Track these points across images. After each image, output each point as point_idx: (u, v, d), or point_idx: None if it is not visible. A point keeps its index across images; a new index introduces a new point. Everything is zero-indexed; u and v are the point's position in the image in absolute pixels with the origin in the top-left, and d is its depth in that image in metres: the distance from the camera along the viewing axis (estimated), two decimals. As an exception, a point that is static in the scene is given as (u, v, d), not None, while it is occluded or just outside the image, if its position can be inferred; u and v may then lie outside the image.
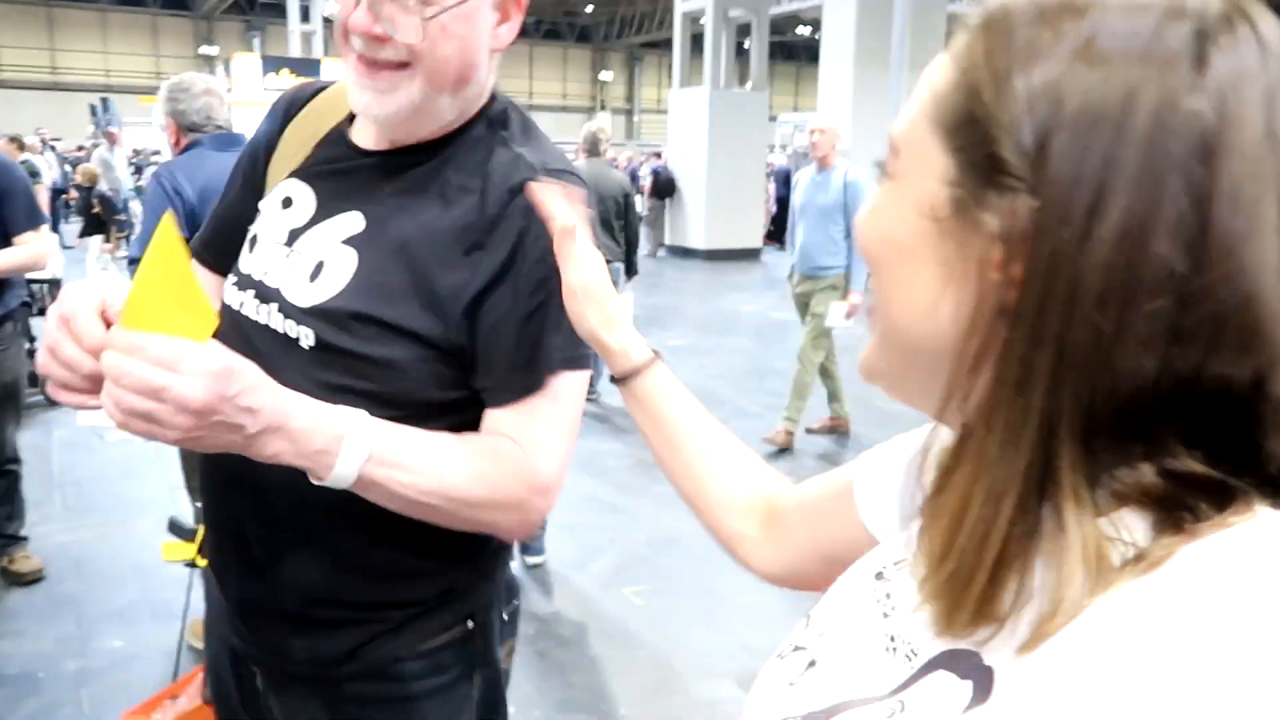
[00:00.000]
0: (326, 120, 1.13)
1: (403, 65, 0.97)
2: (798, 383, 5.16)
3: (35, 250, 3.22)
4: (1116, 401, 0.42)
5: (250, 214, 1.14)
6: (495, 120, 1.08)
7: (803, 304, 5.23)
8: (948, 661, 0.46)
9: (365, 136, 1.09)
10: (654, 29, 33.50)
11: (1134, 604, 0.38)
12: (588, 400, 5.59)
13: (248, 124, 3.49)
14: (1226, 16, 0.42)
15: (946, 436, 0.53)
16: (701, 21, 14.55)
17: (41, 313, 4.84)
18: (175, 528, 3.28)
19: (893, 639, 0.51)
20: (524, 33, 1.02)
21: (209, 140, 2.91)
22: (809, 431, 5.42)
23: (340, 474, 0.91)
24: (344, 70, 1.02)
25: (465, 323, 0.99)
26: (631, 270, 5.77)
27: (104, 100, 17.67)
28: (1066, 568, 0.41)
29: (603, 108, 40.15)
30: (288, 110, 1.17)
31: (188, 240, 2.97)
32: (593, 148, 5.45)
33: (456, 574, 1.10)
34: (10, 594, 3.40)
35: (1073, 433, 0.42)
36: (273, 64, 17.71)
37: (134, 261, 2.87)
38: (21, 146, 9.81)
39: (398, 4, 0.94)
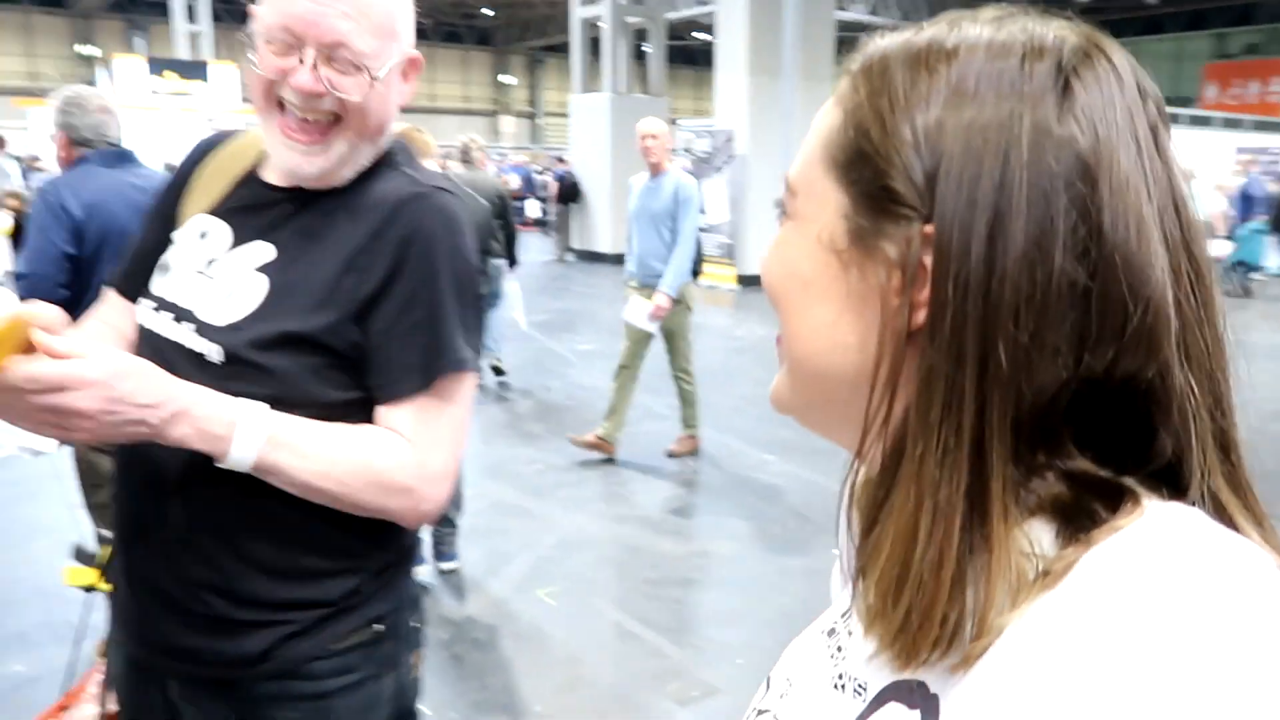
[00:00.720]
0: (238, 164, 1.24)
1: (334, 121, 1.10)
2: (684, 394, 5.23)
3: None
4: (1037, 411, 0.44)
5: (164, 248, 1.23)
6: (387, 153, 1.22)
7: None
8: (896, 693, 0.48)
9: (276, 175, 1.20)
10: (554, 33, 33.47)
11: (1042, 622, 0.40)
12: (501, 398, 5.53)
13: (132, 129, 3.43)
14: (1083, 50, 0.47)
15: (863, 475, 0.53)
16: (599, 26, 14.65)
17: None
18: (79, 554, 3.22)
19: (841, 676, 0.53)
20: (423, 34, 1.17)
21: (96, 156, 2.88)
22: (572, 442, 5.24)
23: (238, 455, 1.03)
24: (266, 132, 1.13)
25: (357, 326, 1.11)
26: (513, 262, 6.17)
27: (-28, 104, 16.76)
28: (991, 586, 0.43)
29: (506, 111, 39.92)
30: (200, 156, 1.29)
31: (76, 256, 2.90)
32: (466, 157, 5.82)
33: (362, 578, 1.19)
34: (-100, 624, 3.29)
35: (1002, 446, 0.44)
36: (158, 66, 17.11)
37: (20, 277, 2.80)
38: None
39: (338, 68, 1.07)
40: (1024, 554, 0.43)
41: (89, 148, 2.90)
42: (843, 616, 0.58)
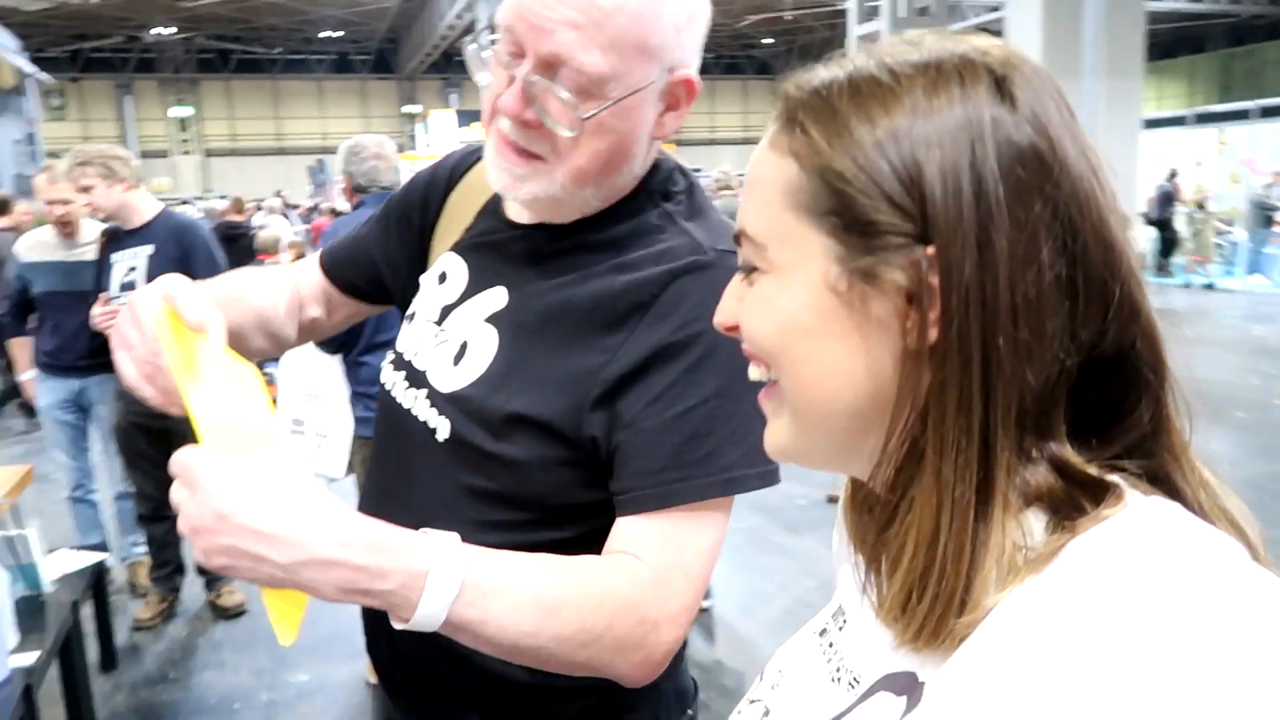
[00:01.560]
0: (487, 188, 1.06)
1: (542, 157, 0.91)
2: None
3: None
4: (1035, 400, 0.48)
5: (395, 263, 1.14)
6: (657, 191, 0.99)
7: None
8: (886, 684, 0.51)
9: (517, 209, 1.03)
10: (834, 55, 33.12)
11: (1026, 603, 0.43)
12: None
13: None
14: (1006, 61, 0.50)
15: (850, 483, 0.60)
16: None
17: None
18: None
19: (838, 670, 0.56)
20: (705, 69, 0.95)
21: (371, 199, 3.10)
22: (831, 501, 4.86)
23: (423, 617, 0.77)
24: (486, 147, 0.96)
25: (597, 414, 0.90)
26: None
27: (320, 161, 19.34)
28: (985, 570, 0.46)
29: (784, 137, 40.01)
30: (451, 175, 1.14)
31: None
32: (725, 185, 6.71)
33: (601, 696, 0.98)
34: (216, 627, 3.68)
35: (1007, 439, 0.47)
36: (466, 118, 18.95)
37: None
38: (240, 209, 10.89)
39: (553, 94, 0.86)
40: (1016, 543, 0.46)
41: (365, 193, 3.13)
42: (833, 617, 0.62)
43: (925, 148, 0.48)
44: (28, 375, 3.94)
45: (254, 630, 3.63)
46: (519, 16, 0.86)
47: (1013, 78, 0.49)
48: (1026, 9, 11.39)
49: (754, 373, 0.58)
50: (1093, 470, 0.48)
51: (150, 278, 3.39)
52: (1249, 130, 14.06)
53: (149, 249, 3.45)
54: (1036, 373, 0.47)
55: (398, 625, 0.78)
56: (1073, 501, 0.47)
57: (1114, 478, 0.48)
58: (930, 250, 0.47)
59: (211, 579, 3.81)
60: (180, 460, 0.74)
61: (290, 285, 1.18)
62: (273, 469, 0.75)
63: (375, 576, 0.74)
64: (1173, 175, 13.56)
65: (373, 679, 3.09)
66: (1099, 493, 0.47)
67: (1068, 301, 0.47)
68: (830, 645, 0.59)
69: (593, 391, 0.90)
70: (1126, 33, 11.38)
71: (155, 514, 3.71)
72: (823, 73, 0.54)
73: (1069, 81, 11.24)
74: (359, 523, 0.76)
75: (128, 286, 3.43)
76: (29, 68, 15.18)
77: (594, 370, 0.91)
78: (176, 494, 0.74)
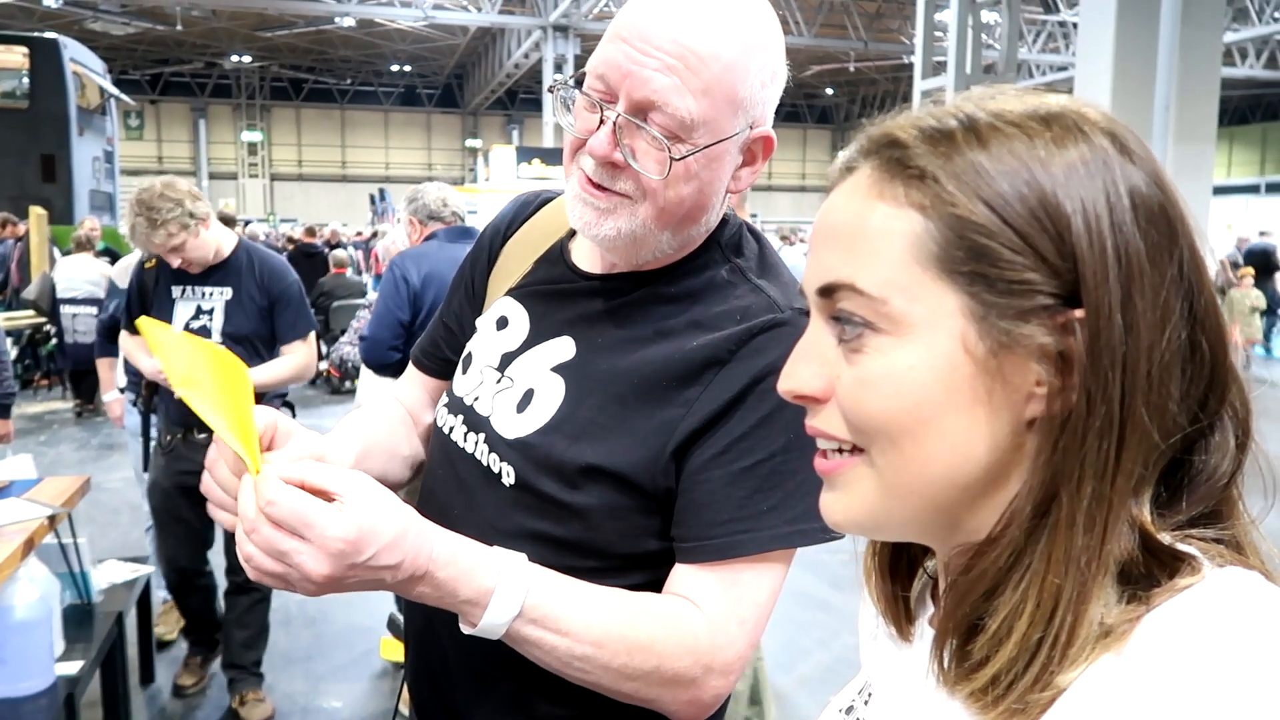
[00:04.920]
0: (549, 234, 1.09)
1: (627, 195, 0.91)
2: None
3: (300, 361, 3.06)
4: (1155, 465, 0.46)
5: (467, 324, 1.13)
6: (728, 246, 1.00)
7: None
8: None
9: (584, 257, 1.03)
10: (895, 108, 33.19)
11: (1107, 688, 0.41)
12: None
13: (499, 209, 3.86)
14: (1108, 117, 0.49)
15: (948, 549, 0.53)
16: (942, 100, 14.22)
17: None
18: (394, 625, 3.43)
19: None
20: None
21: (444, 233, 3.14)
22: None
23: (487, 625, 0.83)
24: (567, 189, 0.96)
25: (673, 465, 0.91)
26: None
27: (381, 190, 19.75)
28: (1072, 645, 0.43)
29: (841, 187, 40.02)
30: (512, 220, 1.15)
31: (409, 323, 3.08)
32: (786, 239, 6.66)
33: None
34: (254, 645, 3.69)
35: (1123, 508, 0.45)
36: (525, 154, 19.23)
37: (362, 339, 3.10)
38: (312, 234, 11.46)
39: (645, 136, 0.87)
40: (1092, 615, 0.44)
41: (439, 220, 3.20)
42: (859, 692, 0.60)
43: (1068, 199, 0.45)
44: (111, 395, 3.90)
45: (289, 653, 3.64)
46: (612, 63, 0.87)
47: (1122, 133, 0.48)
48: (1097, 70, 11.30)
49: (823, 444, 0.52)
50: (1166, 538, 0.46)
51: (227, 327, 2.92)
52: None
53: (226, 293, 2.97)
54: (1163, 438, 0.45)
55: (465, 629, 0.84)
56: (1148, 571, 0.45)
57: (1186, 547, 0.46)
58: (1078, 313, 0.45)
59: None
60: (286, 506, 0.74)
61: (399, 408, 1.17)
62: (366, 497, 0.78)
63: (452, 589, 0.82)
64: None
65: (406, 710, 3.08)
66: (1174, 563, 0.45)
67: (1188, 365, 0.46)
68: None
69: (669, 444, 0.91)
70: (1200, 98, 11.22)
71: (189, 584, 3.22)
72: (928, 120, 0.49)
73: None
74: (442, 537, 0.83)
75: (197, 333, 2.92)
76: (111, 89, 15.77)
77: (671, 423, 0.91)
78: (283, 542, 0.74)
